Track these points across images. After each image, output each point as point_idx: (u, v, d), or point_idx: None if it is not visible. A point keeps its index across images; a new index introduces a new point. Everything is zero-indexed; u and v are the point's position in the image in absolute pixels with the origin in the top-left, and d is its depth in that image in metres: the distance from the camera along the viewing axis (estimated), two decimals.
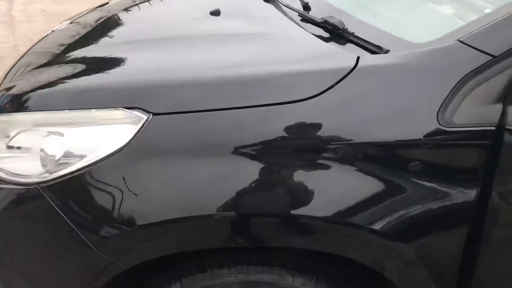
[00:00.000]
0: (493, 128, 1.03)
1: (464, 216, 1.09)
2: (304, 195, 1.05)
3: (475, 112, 1.03)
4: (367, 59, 1.10)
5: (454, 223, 1.10)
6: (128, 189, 1.04)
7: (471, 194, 1.07)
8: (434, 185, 1.06)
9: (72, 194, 1.07)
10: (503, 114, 1.03)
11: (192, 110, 1.04)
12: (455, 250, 1.11)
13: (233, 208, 1.05)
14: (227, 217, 1.05)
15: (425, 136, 1.04)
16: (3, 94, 1.23)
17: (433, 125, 1.02)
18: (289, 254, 1.19)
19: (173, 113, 1.04)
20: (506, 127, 1.03)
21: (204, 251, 1.20)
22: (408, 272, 1.14)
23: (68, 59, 1.38)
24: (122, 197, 1.05)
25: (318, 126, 1.04)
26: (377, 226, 1.05)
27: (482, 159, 1.05)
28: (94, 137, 1.07)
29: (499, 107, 1.03)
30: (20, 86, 1.23)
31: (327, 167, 1.05)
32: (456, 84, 1.02)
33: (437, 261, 1.13)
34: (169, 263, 1.21)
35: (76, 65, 1.30)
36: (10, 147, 1.14)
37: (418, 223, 1.08)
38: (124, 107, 1.05)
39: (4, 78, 1.37)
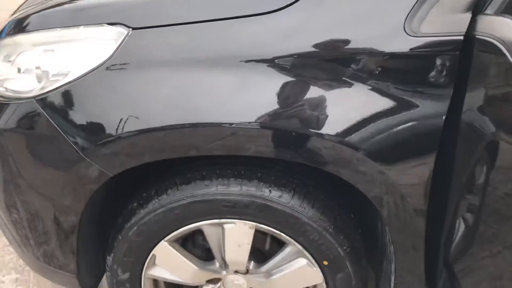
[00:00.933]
0: (461, 37, 1.04)
1: (435, 132, 1.10)
2: (286, 106, 1.09)
3: (443, 21, 1.04)
4: None
5: (425, 140, 1.11)
6: (112, 100, 1.13)
7: (442, 106, 1.08)
8: (402, 97, 1.09)
9: (62, 106, 1.16)
10: (472, 22, 1.03)
11: (169, 23, 1.10)
12: (428, 171, 1.14)
13: (211, 117, 1.10)
14: (207, 125, 1.11)
15: (394, 48, 1.06)
16: (10, 21, 1.34)
17: (400, 34, 1.04)
18: (266, 170, 1.25)
19: (151, 27, 1.11)
20: (476, 36, 1.04)
21: (188, 166, 1.29)
22: (391, 195, 1.17)
23: None
24: (107, 107, 1.14)
25: (300, 34, 1.08)
26: (359, 144, 1.09)
27: (451, 69, 1.06)
28: (81, 52, 1.15)
29: (467, 16, 1.03)
30: (27, 12, 1.33)
31: (306, 78, 1.09)
32: None
33: (412, 183, 1.15)
34: (157, 177, 1.31)
35: None
36: (16, 69, 1.25)
37: (391, 139, 1.11)
38: (107, 23, 1.13)
39: (17, 9, 1.48)
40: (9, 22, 1.33)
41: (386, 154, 1.11)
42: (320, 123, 1.09)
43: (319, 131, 1.08)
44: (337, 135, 1.09)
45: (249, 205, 1.22)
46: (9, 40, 1.28)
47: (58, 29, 1.19)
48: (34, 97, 1.18)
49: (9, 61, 1.26)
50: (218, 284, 1.42)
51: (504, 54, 0.98)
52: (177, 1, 1.15)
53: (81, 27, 1.17)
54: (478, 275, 1.19)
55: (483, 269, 1.18)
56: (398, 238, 1.24)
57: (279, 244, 1.37)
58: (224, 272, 1.39)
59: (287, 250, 1.31)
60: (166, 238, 1.29)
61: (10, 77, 1.25)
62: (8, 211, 1.34)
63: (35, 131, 1.20)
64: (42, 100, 1.16)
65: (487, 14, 1.03)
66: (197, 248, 1.42)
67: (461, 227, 1.20)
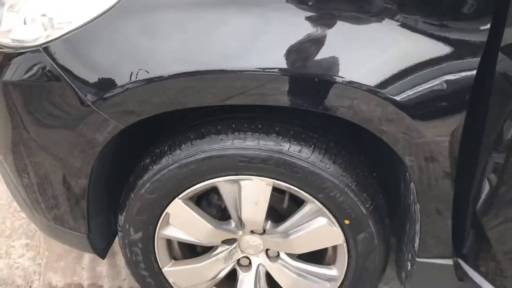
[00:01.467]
0: None
1: (467, 84, 1.02)
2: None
3: None
4: None
5: (456, 95, 1.03)
6: (122, 47, 1.06)
7: (472, 56, 1.00)
8: (436, 42, 1.01)
9: (70, 54, 1.09)
10: None
11: None
12: (458, 128, 1.06)
13: (236, 63, 1.03)
14: (230, 72, 1.04)
15: None
16: None
17: None
18: (285, 124, 1.19)
19: None
20: None
21: (204, 121, 1.23)
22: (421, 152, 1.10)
23: None
24: (116, 54, 1.07)
25: None
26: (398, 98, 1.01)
27: (488, 9, 0.97)
28: None
29: None
30: None
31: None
32: None
33: (443, 140, 1.08)
34: (170, 131, 1.25)
35: None
36: (22, 19, 1.19)
37: (425, 91, 1.03)
38: None
39: None
40: None
41: (419, 107, 1.03)
42: (349, 69, 1.01)
43: (348, 79, 1.01)
44: (369, 84, 1.01)
45: (266, 160, 1.15)
46: None
47: None
48: (40, 45, 1.11)
49: (14, 11, 1.20)
50: (234, 245, 1.37)
51: None
52: None
53: None
54: (506, 226, 1.13)
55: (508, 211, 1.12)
56: (425, 197, 1.17)
57: (297, 204, 1.31)
58: (240, 232, 1.33)
59: (306, 209, 1.25)
60: (180, 196, 1.23)
61: (16, 28, 1.19)
62: (19, 173, 1.30)
63: (42, 82, 1.13)
64: (48, 48, 1.09)
65: None
66: (212, 207, 1.37)
67: (489, 183, 1.14)
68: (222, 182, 1.21)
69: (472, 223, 1.22)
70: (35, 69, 1.13)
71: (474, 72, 1.00)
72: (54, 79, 1.11)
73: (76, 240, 1.36)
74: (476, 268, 1.27)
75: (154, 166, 1.21)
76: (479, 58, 0.99)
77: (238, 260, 1.41)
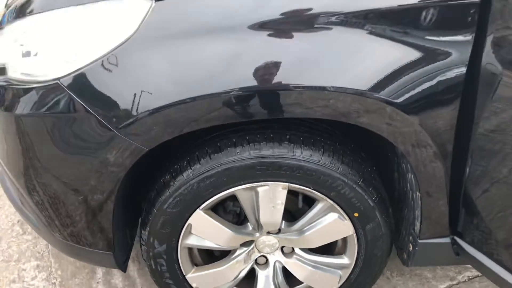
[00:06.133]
0: None
1: (458, 80, 1.15)
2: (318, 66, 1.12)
3: None
4: None
5: (449, 90, 1.16)
6: (143, 74, 1.12)
7: (462, 56, 1.13)
8: (426, 47, 1.13)
9: (90, 85, 1.14)
10: None
11: None
12: (452, 120, 1.20)
13: (247, 83, 1.12)
14: (241, 92, 1.12)
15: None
16: (9, 8, 1.30)
17: None
18: (294, 131, 1.29)
19: None
20: None
21: (218, 135, 1.31)
22: (420, 143, 1.22)
23: None
24: (137, 82, 1.13)
25: None
26: (393, 98, 1.13)
27: (472, 17, 1.10)
28: (103, 29, 1.14)
29: None
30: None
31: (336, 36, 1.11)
32: None
33: (439, 131, 1.21)
34: (188, 148, 1.32)
35: None
36: (26, 53, 1.22)
37: (420, 89, 1.15)
38: None
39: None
40: (9, 9, 1.29)
41: (416, 104, 1.15)
42: (352, 79, 1.12)
43: (353, 87, 1.12)
44: (368, 89, 1.12)
45: (282, 167, 1.25)
46: (16, 25, 1.25)
47: (73, 7, 1.17)
48: (57, 78, 1.16)
49: (21, 45, 1.23)
50: (251, 246, 1.46)
51: None
52: None
53: (100, 3, 1.15)
54: (493, 203, 1.29)
55: (496, 191, 1.27)
56: (425, 184, 1.30)
57: (308, 203, 1.42)
58: (257, 234, 1.43)
59: (319, 207, 1.36)
60: (201, 207, 1.32)
61: (24, 62, 1.22)
62: (39, 200, 1.34)
63: (63, 114, 1.17)
64: (68, 81, 1.14)
65: None
66: (228, 213, 1.45)
67: (478, 167, 1.27)
68: (240, 190, 1.30)
69: (464, 203, 1.36)
70: (53, 101, 1.18)
71: (464, 69, 1.14)
72: (75, 110, 1.16)
73: (101, 258, 1.42)
74: (470, 242, 1.41)
75: (175, 182, 1.28)
76: (468, 57, 1.13)
77: (256, 259, 1.50)
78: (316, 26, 1.11)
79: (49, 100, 1.18)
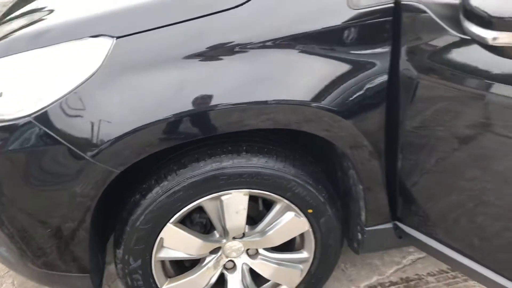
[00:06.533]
0: (392, 4, 1.30)
1: (382, 86, 1.37)
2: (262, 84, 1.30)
3: None
4: None
5: (376, 94, 1.37)
6: (105, 106, 1.24)
7: (383, 65, 1.35)
8: (353, 60, 1.33)
9: (62, 119, 1.24)
10: None
11: (146, 29, 1.24)
12: (381, 121, 1.41)
13: (202, 104, 1.27)
14: (196, 112, 1.27)
15: (342, 21, 1.30)
16: None
17: (345, 9, 1.28)
18: (249, 143, 1.45)
19: (133, 34, 1.24)
20: (402, 2, 1.30)
21: (182, 152, 1.44)
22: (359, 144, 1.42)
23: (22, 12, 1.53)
24: (100, 113, 1.25)
25: (259, 23, 1.28)
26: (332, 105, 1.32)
27: (387, 32, 1.32)
28: (68, 67, 1.25)
29: None
30: None
31: (275, 56, 1.29)
32: None
33: (371, 132, 1.41)
34: (154, 167, 1.44)
35: (33, 14, 1.45)
36: None
37: (352, 97, 1.35)
38: (90, 36, 1.24)
39: None
40: None
41: (350, 110, 1.35)
42: (294, 92, 1.30)
43: (302, 99, 1.31)
44: (310, 99, 1.31)
45: (242, 175, 1.40)
46: None
47: (38, 49, 1.27)
48: (29, 115, 1.24)
49: None
50: (219, 253, 1.59)
51: (426, 12, 1.25)
52: (153, 5, 1.28)
53: (63, 44, 1.25)
54: (423, 183, 1.51)
55: (425, 179, 1.49)
56: (365, 178, 1.49)
57: (266, 207, 1.57)
58: (224, 240, 1.56)
59: (277, 208, 1.52)
60: (171, 220, 1.43)
61: None
62: (13, 229, 1.39)
63: (36, 148, 1.26)
64: (39, 117, 1.23)
65: None
66: (196, 225, 1.57)
67: (407, 158, 1.49)
68: (206, 201, 1.44)
69: (400, 192, 1.57)
70: (27, 137, 1.26)
71: (386, 76, 1.35)
72: (48, 143, 1.25)
73: (79, 281, 1.48)
74: (410, 225, 1.62)
75: (145, 200, 1.40)
76: (388, 66, 1.34)
77: (224, 264, 1.63)
78: (256, 50, 1.28)
79: (18, 136, 1.25)
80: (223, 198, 1.44)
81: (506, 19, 0.92)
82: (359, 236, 1.65)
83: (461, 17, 1.05)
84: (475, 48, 1.13)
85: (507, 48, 0.97)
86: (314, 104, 1.32)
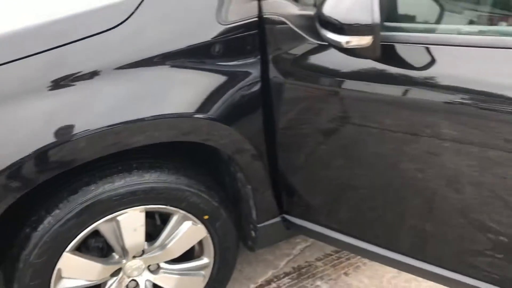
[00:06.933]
0: (256, 18, 1.44)
1: (257, 93, 1.50)
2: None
3: (240, 9, 1.42)
4: None
5: (253, 101, 1.51)
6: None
7: (256, 73, 1.48)
8: (228, 71, 1.45)
9: None
10: (259, 7, 1.44)
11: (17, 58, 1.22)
12: (260, 124, 1.54)
13: (71, 133, 1.26)
14: (65, 142, 1.27)
15: (212, 37, 1.40)
16: None
17: (215, 25, 1.39)
18: (138, 160, 1.48)
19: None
20: (264, 16, 1.45)
21: (70, 178, 1.41)
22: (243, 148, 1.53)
23: None
24: None
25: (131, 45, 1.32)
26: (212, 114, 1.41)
27: (254, 44, 1.46)
28: None
29: (255, 2, 1.43)
30: None
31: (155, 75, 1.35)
32: None
33: (252, 135, 1.54)
34: (42, 198, 1.40)
35: None
36: None
37: (232, 105, 1.46)
38: None
39: None
40: None
41: (232, 117, 1.46)
42: (180, 106, 1.37)
43: (183, 112, 1.37)
44: (193, 111, 1.39)
45: (136, 192, 1.42)
46: None
47: None
48: None
49: None
50: (121, 274, 1.58)
51: (286, 24, 1.41)
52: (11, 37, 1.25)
53: None
54: (302, 177, 1.68)
55: (303, 174, 1.66)
56: (252, 178, 1.61)
57: (163, 221, 1.61)
58: (124, 261, 1.56)
59: (174, 219, 1.56)
60: (67, 249, 1.40)
61: None
62: None
63: None
64: None
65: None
66: (92, 250, 1.55)
67: (286, 157, 1.65)
68: (102, 224, 1.43)
69: (283, 187, 1.72)
70: None
71: (259, 83, 1.49)
72: None
73: None
74: (296, 216, 1.78)
75: (37, 232, 1.35)
76: (259, 74, 1.48)
77: (127, 285, 1.62)
78: (129, 69, 1.32)
79: None
80: (119, 218, 1.44)
81: (354, 26, 1.10)
82: (253, 234, 1.77)
83: (318, 25, 1.21)
84: (331, 52, 1.31)
85: (358, 49, 1.15)
86: (196, 116, 1.40)
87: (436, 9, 1.43)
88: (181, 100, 1.39)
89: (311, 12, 1.37)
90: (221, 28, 1.40)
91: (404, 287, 2.05)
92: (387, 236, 1.57)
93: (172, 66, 1.36)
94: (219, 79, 1.44)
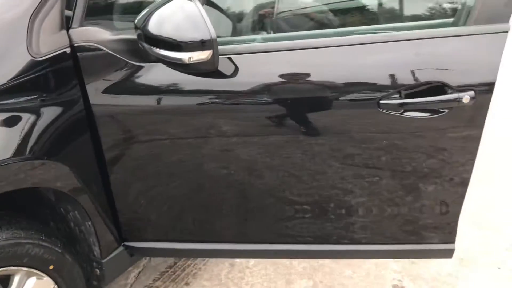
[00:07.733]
0: (68, 48, 1.39)
1: (83, 122, 1.45)
2: None
3: (51, 40, 1.35)
4: None
5: (80, 131, 1.45)
6: None
7: (78, 103, 1.43)
8: (50, 105, 1.36)
9: None
10: (69, 36, 1.40)
11: None
12: (91, 154, 1.48)
13: None
14: None
15: (27, 71, 1.30)
16: None
17: (27, 58, 1.29)
18: None
19: None
20: (75, 45, 1.41)
21: None
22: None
23: None
24: None
25: None
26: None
27: (71, 73, 1.41)
28: None
29: (64, 32, 1.38)
30: None
31: None
32: (28, 22, 1.30)
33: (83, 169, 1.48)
34: None
35: None
36: None
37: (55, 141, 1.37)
38: None
39: None
40: None
41: (60, 152, 1.37)
42: None
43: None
44: (11, 155, 1.27)
45: None
46: None
47: None
48: None
49: None
50: None
51: (101, 49, 1.41)
52: None
53: None
54: (134, 203, 1.69)
55: (135, 199, 1.68)
56: (91, 214, 1.54)
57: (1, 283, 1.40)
58: None
59: (16, 280, 1.37)
60: None
61: None
62: None
63: None
64: None
65: (75, 28, 1.41)
66: None
67: (117, 188, 1.63)
68: None
69: (120, 215, 1.69)
70: None
71: (83, 110, 1.44)
72: None
73: None
74: (135, 240, 1.77)
75: None
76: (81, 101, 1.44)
77: None
78: None
79: None
80: None
81: (193, 42, 1.19)
82: (97, 272, 1.68)
83: (146, 46, 1.26)
84: (158, 70, 1.37)
85: (198, 63, 1.24)
86: (20, 159, 1.28)
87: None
88: (11, 143, 1.25)
89: (127, 36, 1.41)
90: (34, 62, 1.31)
91: (240, 277, 2.24)
92: (217, 231, 1.72)
93: None
94: (38, 115, 1.34)
